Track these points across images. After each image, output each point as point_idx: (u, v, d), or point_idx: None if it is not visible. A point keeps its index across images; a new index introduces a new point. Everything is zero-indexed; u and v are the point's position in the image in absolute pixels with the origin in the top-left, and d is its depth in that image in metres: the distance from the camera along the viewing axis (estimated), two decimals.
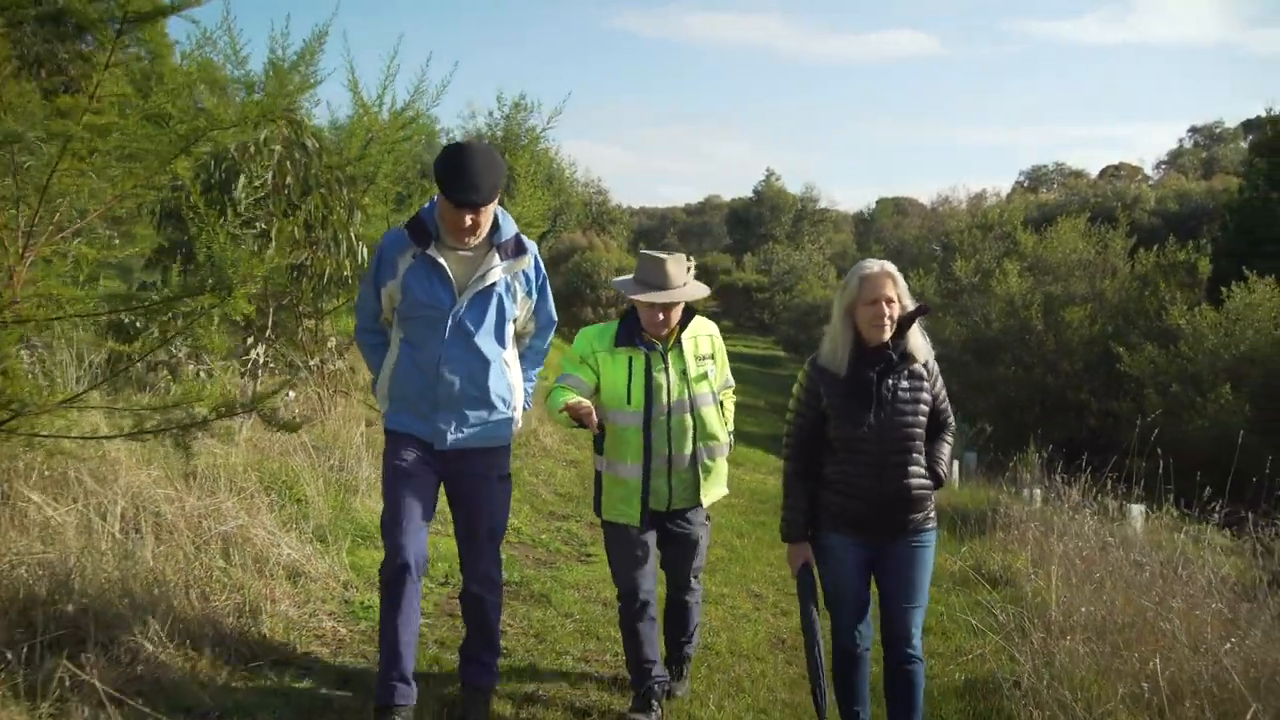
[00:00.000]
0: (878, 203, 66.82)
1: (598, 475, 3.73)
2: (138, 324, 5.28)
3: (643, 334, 3.62)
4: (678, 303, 3.60)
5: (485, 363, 3.29)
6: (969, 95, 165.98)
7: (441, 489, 3.42)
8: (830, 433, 3.20)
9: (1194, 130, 68.75)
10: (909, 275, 3.55)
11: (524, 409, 3.54)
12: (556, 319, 3.63)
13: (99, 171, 3.55)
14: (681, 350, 3.63)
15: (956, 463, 10.77)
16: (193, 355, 5.82)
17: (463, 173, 3.08)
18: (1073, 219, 21.94)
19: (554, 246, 25.56)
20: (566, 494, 7.58)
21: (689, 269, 3.69)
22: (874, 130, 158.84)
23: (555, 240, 24.94)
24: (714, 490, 3.72)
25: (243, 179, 5.71)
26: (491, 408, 3.33)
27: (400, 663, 3.20)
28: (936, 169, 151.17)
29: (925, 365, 3.22)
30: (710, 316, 3.95)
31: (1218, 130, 64.60)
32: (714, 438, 3.68)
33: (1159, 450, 5.65)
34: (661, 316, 3.56)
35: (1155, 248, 19.19)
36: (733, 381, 3.89)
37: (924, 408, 3.19)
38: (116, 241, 4.85)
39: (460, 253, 3.26)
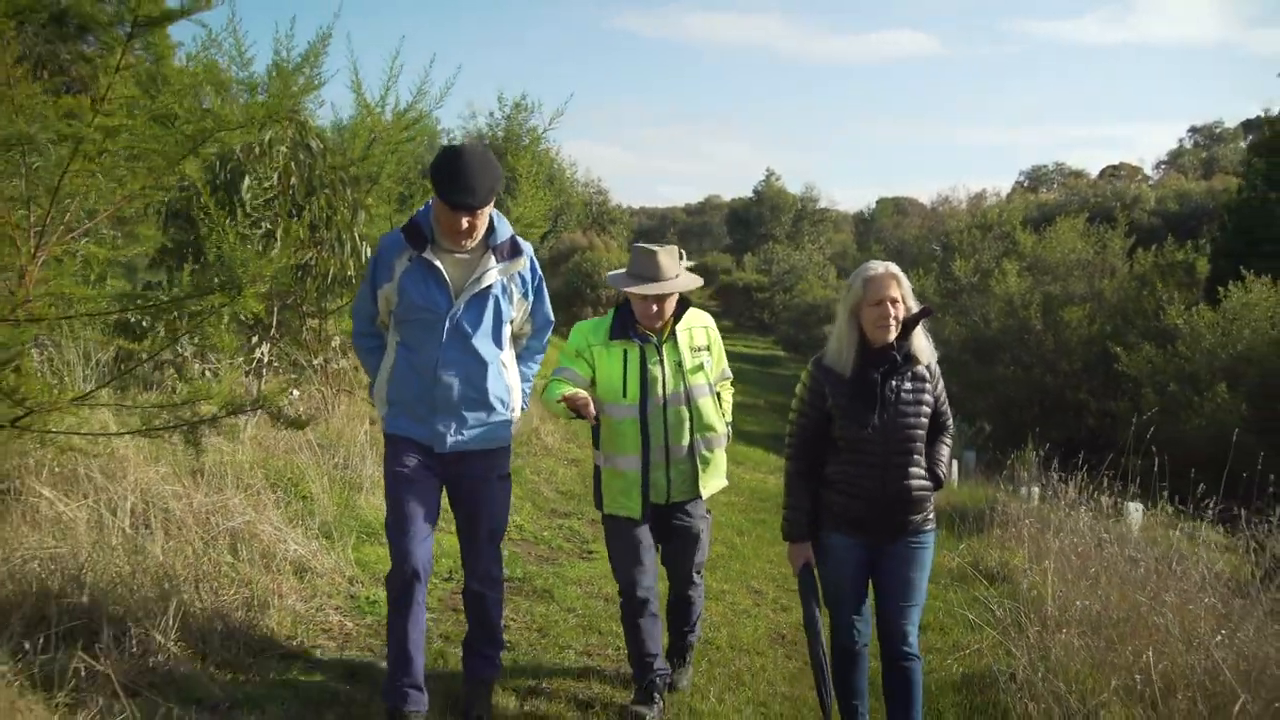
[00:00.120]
0: (878, 203, 66.79)
1: (596, 470, 3.75)
2: (143, 323, 5.34)
3: (637, 326, 3.62)
4: (671, 295, 3.60)
5: (483, 365, 3.30)
6: (969, 95, 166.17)
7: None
8: (834, 433, 3.23)
9: (1194, 130, 68.78)
10: (909, 275, 3.60)
11: (522, 409, 3.56)
12: (553, 320, 3.65)
13: (107, 172, 3.62)
14: (676, 342, 3.64)
15: (955, 462, 10.82)
16: (198, 354, 5.88)
17: (459, 176, 3.09)
18: (1071, 219, 21.99)
19: (554, 247, 25.61)
20: (568, 492, 7.64)
21: (682, 261, 3.69)
22: (874, 130, 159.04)
23: (556, 240, 24.99)
24: (712, 482, 3.73)
25: (248, 179, 5.77)
26: (490, 409, 3.35)
27: (412, 668, 3.25)
28: (936, 169, 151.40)
29: (928, 367, 3.25)
30: (711, 316, 3.97)
31: (1218, 130, 64.59)
32: (711, 429, 3.68)
33: (1153, 448, 5.70)
34: (655, 309, 3.57)
35: (1154, 248, 19.24)
36: (730, 373, 3.90)
37: (926, 409, 3.21)
38: (120, 242, 4.92)
39: (456, 255, 3.27)
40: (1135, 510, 7.44)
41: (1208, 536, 5.50)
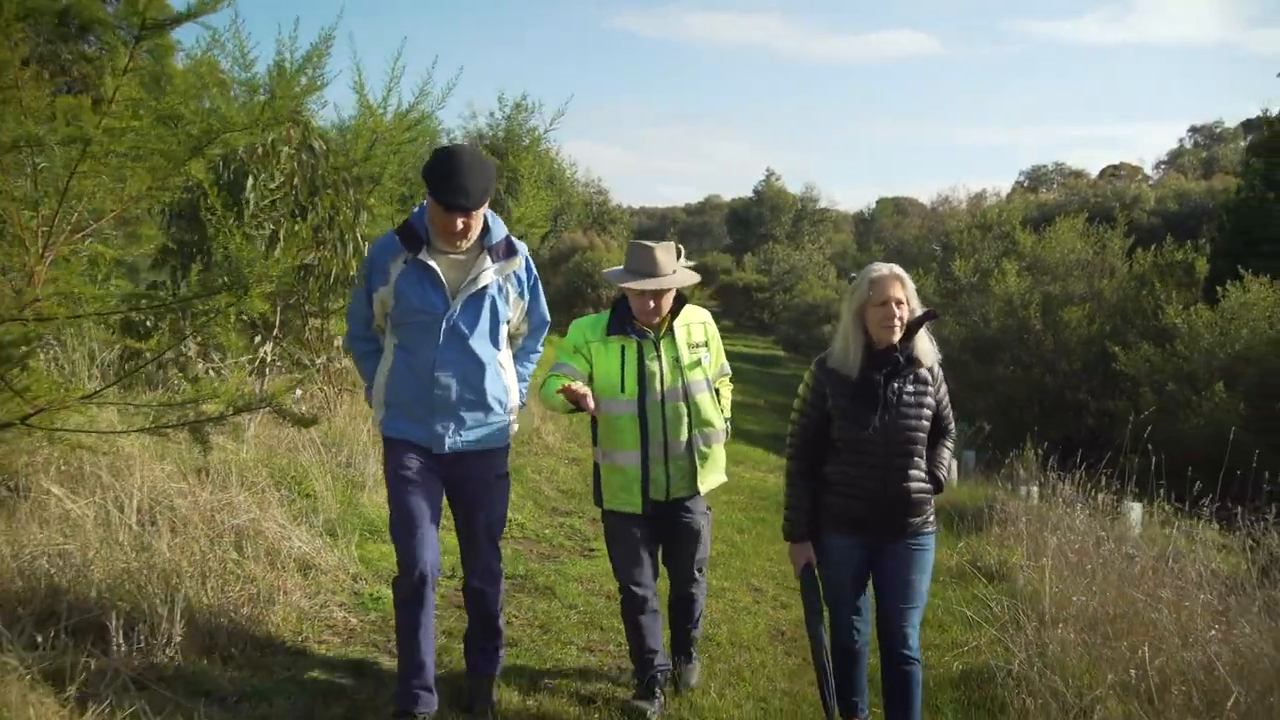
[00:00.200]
0: (878, 203, 66.86)
1: (596, 466, 3.75)
2: (148, 322, 5.39)
3: (634, 322, 3.62)
4: (668, 290, 3.60)
5: (480, 365, 3.31)
6: (969, 95, 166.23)
7: None
8: (834, 433, 3.24)
9: (1194, 130, 68.87)
10: (909, 275, 3.64)
11: (520, 407, 3.57)
12: (549, 320, 3.65)
13: (114, 173, 3.66)
14: (674, 338, 3.64)
15: (955, 461, 10.84)
16: (201, 353, 5.93)
17: (453, 177, 3.10)
18: (1071, 219, 22.01)
19: (555, 247, 25.66)
20: (569, 491, 7.68)
21: (679, 257, 3.69)
22: (874, 130, 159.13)
23: (556, 240, 25.03)
24: (711, 478, 3.73)
25: (251, 180, 5.82)
26: (488, 410, 3.36)
27: (423, 672, 3.28)
28: (936, 169, 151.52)
29: (930, 370, 3.26)
30: (708, 313, 3.98)
31: (1218, 130, 64.66)
32: (709, 424, 3.68)
33: (1150, 447, 5.74)
34: (652, 304, 3.57)
35: (1153, 248, 19.27)
36: (729, 370, 3.90)
37: (928, 412, 3.23)
38: (122, 242, 4.97)
39: (452, 256, 3.27)
40: (1135, 509, 7.48)
41: (1205, 535, 5.55)
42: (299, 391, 6.24)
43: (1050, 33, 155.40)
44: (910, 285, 3.22)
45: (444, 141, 12.72)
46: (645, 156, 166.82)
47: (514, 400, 3.48)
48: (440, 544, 3.45)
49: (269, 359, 6.26)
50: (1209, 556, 5.03)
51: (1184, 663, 3.66)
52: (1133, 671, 3.58)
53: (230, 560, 4.05)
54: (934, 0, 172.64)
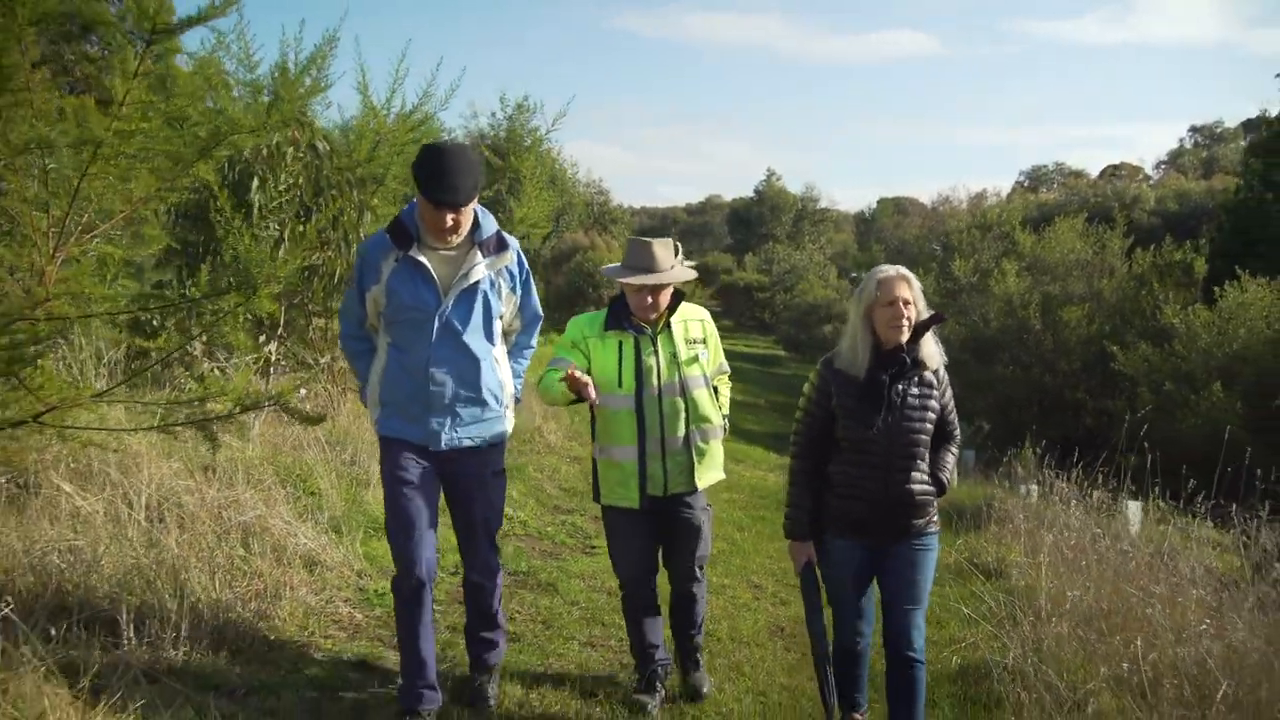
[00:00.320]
0: (878, 202, 67.01)
1: (594, 462, 3.76)
2: (154, 321, 5.45)
3: (631, 318, 3.64)
4: (665, 286, 3.62)
5: (475, 361, 3.32)
6: (969, 95, 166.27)
7: None
8: (838, 433, 3.25)
9: (1194, 130, 68.95)
10: None
11: (515, 402, 3.58)
12: (542, 314, 3.65)
13: (124, 174, 3.71)
14: (671, 334, 3.65)
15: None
16: (206, 351, 5.99)
17: (442, 173, 3.11)
18: (1070, 219, 22.07)
19: (556, 247, 25.72)
20: (570, 489, 7.73)
21: (677, 253, 3.70)
22: (874, 130, 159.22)
23: (558, 240, 25.10)
24: (709, 474, 3.72)
25: (256, 181, 5.88)
26: (484, 405, 3.36)
27: (425, 671, 3.32)
28: (937, 169, 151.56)
29: (936, 373, 3.28)
30: (711, 316, 4.00)
31: (1218, 130, 64.75)
32: (707, 420, 3.68)
33: (1145, 445, 5.80)
34: (650, 300, 3.58)
35: (1152, 248, 19.33)
36: (727, 367, 3.90)
37: (931, 415, 3.24)
38: (127, 242, 5.03)
39: (443, 253, 3.28)
40: (1134, 508, 7.53)
41: (1200, 532, 5.61)
42: (303, 390, 6.30)
43: (1050, 33, 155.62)
44: (917, 286, 3.24)
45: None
46: (645, 156, 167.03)
47: (509, 395, 3.49)
48: (442, 539, 3.49)
49: (274, 358, 6.32)
50: (1203, 554, 5.08)
51: (1176, 657, 3.71)
52: (1125, 665, 3.63)
53: (237, 556, 4.11)
54: (934, 0, 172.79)
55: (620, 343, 3.62)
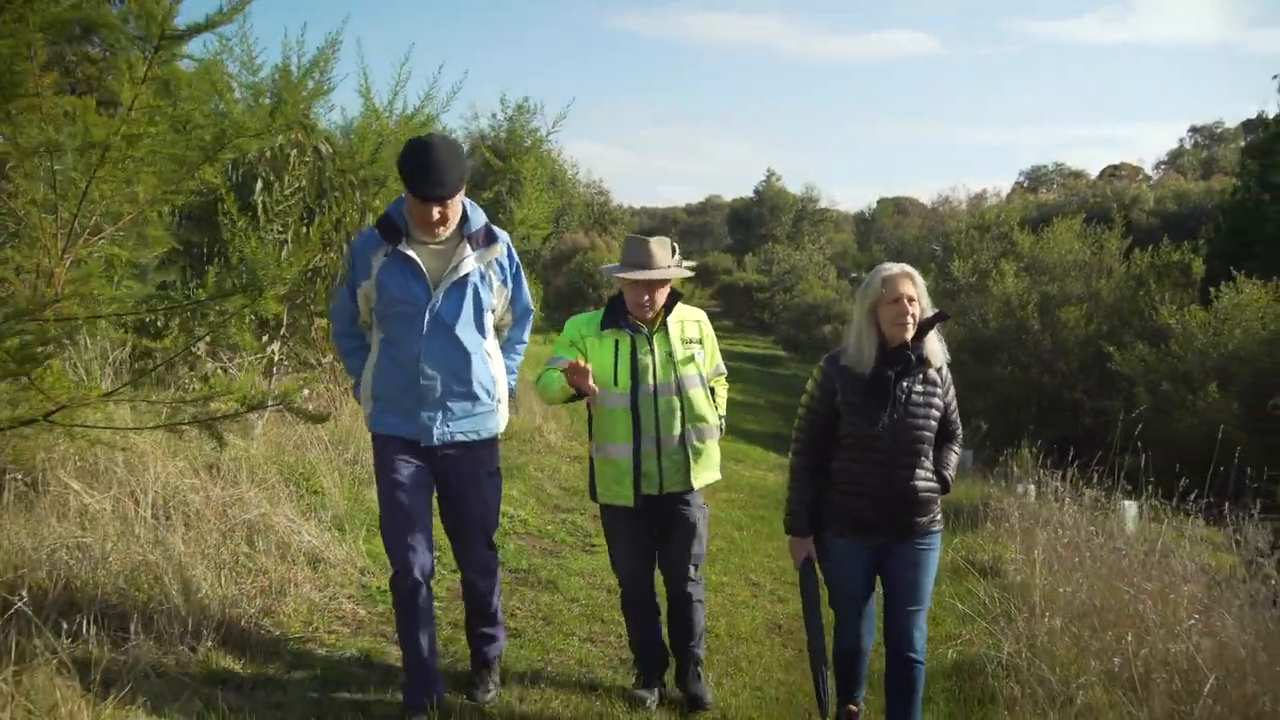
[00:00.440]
0: (878, 203, 67.11)
1: (591, 460, 3.78)
2: (158, 322, 5.51)
3: (628, 317, 3.66)
4: (662, 283, 3.65)
5: (466, 354, 3.32)
6: (969, 95, 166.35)
7: None
8: (842, 430, 3.26)
9: (1194, 130, 69.00)
10: None
11: (509, 398, 3.59)
12: (533, 308, 3.67)
13: (131, 177, 3.77)
14: (667, 333, 3.67)
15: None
16: (210, 352, 6.05)
17: (427, 168, 3.12)
18: (1069, 220, 22.15)
19: (556, 247, 25.79)
20: (570, 488, 7.79)
21: (675, 256, 3.74)
22: (874, 130, 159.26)
23: (558, 241, 25.16)
24: (704, 474, 3.72)
25: (260, 183, 5.94)
26: (475, 399, 3.36)
27: (427, 666, 3.37)
28: (936, 169, 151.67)
29: (939, 371, 3.29)
30: (711, 316, 4.03)
31: (1218, 130, 64.76)
32: (702, 419, 3.69)
33: (1139, 444, 5.87)
34: (646, 298, 3.62)
35: (1150, 248, 19.40)
36: (724, 369, 3.92)
37: (936, 412, 3.26)
38: (131, 244, 5.09)
39: (432, 246, 3.28)
40: (1131, 507, 7.60)
41: (1194, 531, 5.67)
42: (306, 390, 6.36)
43: (1050, 33, 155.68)
44: (921, 284, 3.26)
45: None
46: (645, 156, 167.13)
47: (502, 389, 3.48)
48: (437, 538, 3.51)
49: (277, 358, 6.38)
50: (1196, 552, 5.15)
51: (1167, 653, 3.78)
52: (1117, 661, 3.70)
53: (242, 554, 4.17)
54: (934, 0, 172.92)
55: (616, 341, 3.65)
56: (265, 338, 6.44)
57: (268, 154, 6.03)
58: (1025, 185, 64.05)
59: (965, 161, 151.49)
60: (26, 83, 3.58)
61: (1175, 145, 72.10)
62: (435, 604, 3.76)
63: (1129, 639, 3.77)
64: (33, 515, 3.92)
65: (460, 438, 3.36)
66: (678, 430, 3.64)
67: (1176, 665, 3.65)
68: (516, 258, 3.52)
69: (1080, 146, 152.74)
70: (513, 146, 12.30)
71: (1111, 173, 55.97)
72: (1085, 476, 6.85)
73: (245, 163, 6.06)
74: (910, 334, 3.21)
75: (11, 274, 4.13)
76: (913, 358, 3.21)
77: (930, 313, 3.25)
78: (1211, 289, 15.87)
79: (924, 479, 3.25)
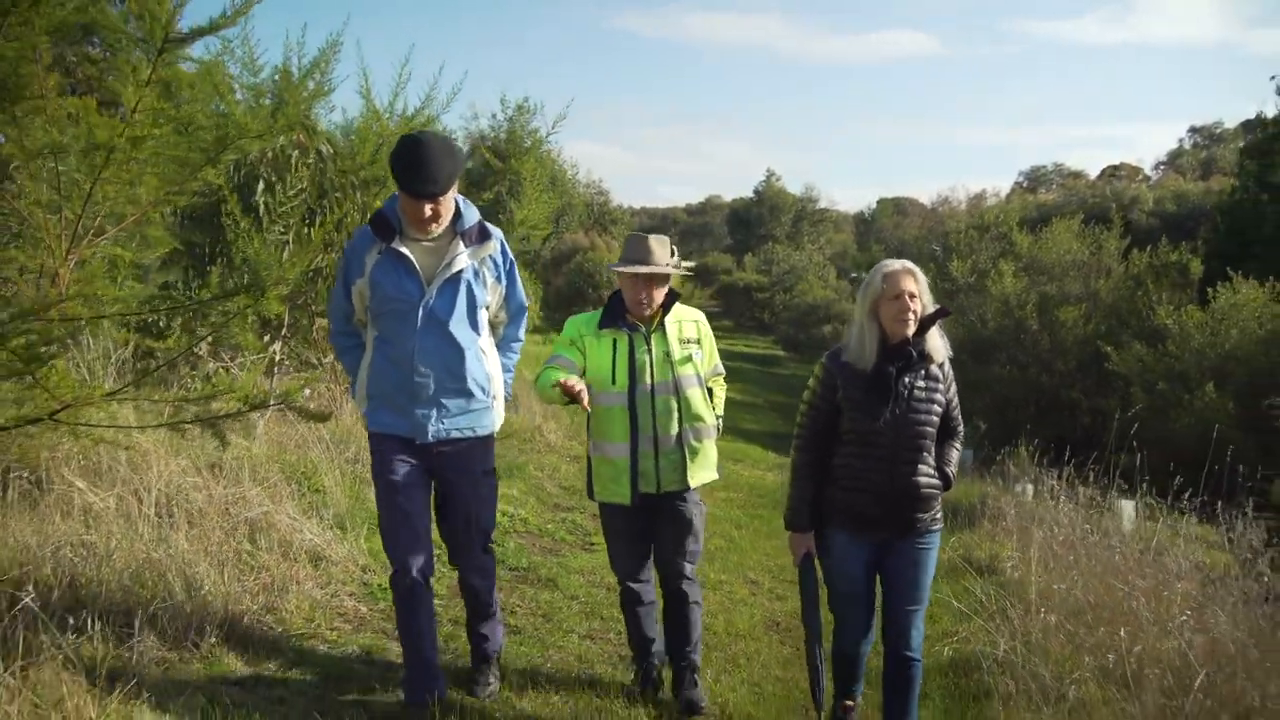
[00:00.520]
0: (878, 203, 67.14)
1: (589, 459, 3.80)
2: (160, 322, 5.55)
3: (626, 316, 3.69)
4: (661, 282, 3.67)
5: (460, 351, 3.31)
6: (969, 95, 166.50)
7: None
8: (844, 425, 3.27)
9: (1194, 131, 69.06)
10: None
11: (506, 398, 3.58)
12: (527, 305, 3.65)
13: (135, 179, 3.81)
14: (665, 333, 3.69)
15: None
16: (212, 352, 6.08)
17: (419, 165, 3.12)
18: (1067, 220, 22.19)
19: (556, 247, 25.82)
20: (570, 487, 7.83)
21: (674, 257, 3.75)
22: (874, 130, 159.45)
23: (558, 241, 25.20)
24: (701, 473, 3.73)
25: (262, 184, 5.98)
26: (470, 396, 3.36)
27: (427, 662, 3.40)
28: (936, 169, 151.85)
29: (941, 367, 3.30)
30: (710, 316, 4.06)
31: (1217, 131, 64.79)
32: (700, 419, 3.71)
33: (1134, 443, 5.91)
34: (644, 295, 3.64)
35: (1148, 248, 19.44)
36: (722, 369, 3.94)
37: (937, 408, 3.26)
38: (133, 245, 5.13)
39: (425, 243, 3.29)
40: (1127, 506, 7.64)
41: (1190, 529, 5.72)
42: (308, 390, 6.40)
43: (1050, 33, 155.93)
44: (923, 280, 3.26)
45: None
46: (645, 156, 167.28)
47: (497, 386, 3.49)
48: (433, 535, 3.53)
49: (278, 358, 6.42)
50: (1191, 550, 5.19)
51: (1160, 649, 3.82)
52: (1110, 656, 3.74)
53: (245, 551, 4.21)
54: (934, 0, 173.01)
55: (614, 340, 3.67)
56: (267, 338, 6.48)
57: (269, 155, 6.07)
58: (1025, 185, 64.15)
59: (965, 161, 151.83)
60: (32, 85, 3.62)
61: (1175, 145, 72.19)
62: (435, 601, 3.80)
63: (1122, 635, 3.80)
64: (37, 513, 3.96)
65: (455, 434, 3.36)
66: (675, 430, 3.66)
67: (1169, 661, 3.69)
68: (510, 254, 3.52)
69: (1080, 147, 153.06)
70: (513, 147, 12.34)
71: (1111, 173, 56.05)
72: (1081, 475, 6.90)
73: (247, 164, 6.10)
74: (912, 330, 3.21)
75: (16, 274, 4.18)
76: (914, 354, 3.22)
77: (932, 309, 3.26)
78: (1209, 289, 15.91)
79: (925, 475, 3.26)
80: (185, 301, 3.86)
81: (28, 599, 3.03)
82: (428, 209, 3.18)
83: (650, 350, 3.67)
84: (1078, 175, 60.10)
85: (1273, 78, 24.46)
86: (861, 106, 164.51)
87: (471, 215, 3.37)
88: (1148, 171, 60.21)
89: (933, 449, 3.30)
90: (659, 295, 3.69)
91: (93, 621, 3.31)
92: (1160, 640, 3.90)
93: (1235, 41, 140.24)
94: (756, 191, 60.11)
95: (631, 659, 3.98)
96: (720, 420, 3.87)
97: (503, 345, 3.62)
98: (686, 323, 3.78)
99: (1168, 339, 15.34)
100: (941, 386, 3.29)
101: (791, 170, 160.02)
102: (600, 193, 38.62)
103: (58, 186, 3.73)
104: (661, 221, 72.72)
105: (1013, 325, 19.34)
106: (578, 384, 3.45)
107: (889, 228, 57.34)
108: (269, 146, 5.91)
